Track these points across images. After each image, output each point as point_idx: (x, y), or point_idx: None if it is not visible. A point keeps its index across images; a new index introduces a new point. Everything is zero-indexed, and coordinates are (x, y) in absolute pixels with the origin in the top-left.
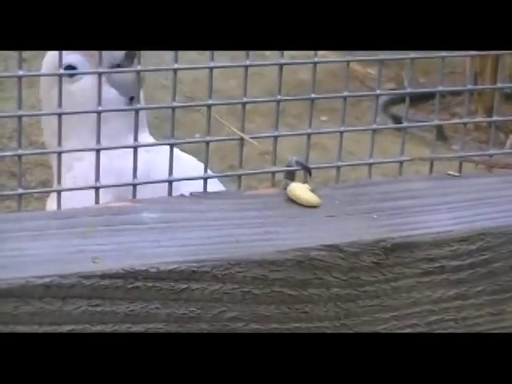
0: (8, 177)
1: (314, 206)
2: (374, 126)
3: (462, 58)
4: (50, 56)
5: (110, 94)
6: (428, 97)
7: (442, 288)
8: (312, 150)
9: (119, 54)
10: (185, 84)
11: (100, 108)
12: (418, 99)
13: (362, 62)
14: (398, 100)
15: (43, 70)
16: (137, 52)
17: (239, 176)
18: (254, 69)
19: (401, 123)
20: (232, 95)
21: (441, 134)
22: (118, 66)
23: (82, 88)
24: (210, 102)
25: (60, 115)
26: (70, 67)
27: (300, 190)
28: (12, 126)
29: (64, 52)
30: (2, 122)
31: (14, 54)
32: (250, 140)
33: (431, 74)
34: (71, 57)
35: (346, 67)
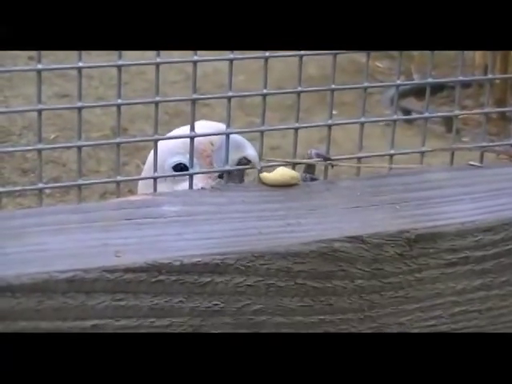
0: (19, 174)
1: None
2: (395, 117)
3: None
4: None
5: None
6: (437, 89)
7: (466, 279)
8: (322, 143)
9: (234, 160)
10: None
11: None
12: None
13: (371, 56)
14: (408, 93)
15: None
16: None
17: (260, 169)
18: (262, 63)
19: (410, 115)
20: (240, 89)
21: (451, 126)
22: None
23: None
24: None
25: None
26: (180, 165)
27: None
28: (22, 122)
29: (176, 150)
30: (12, 119)
31: (22, 53)
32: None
33: (441, 66)
34: (183, 156)
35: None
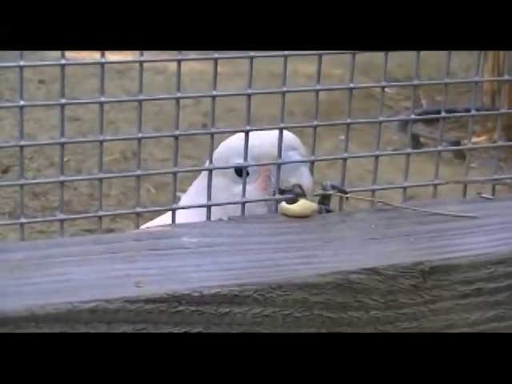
0: (30, 197)
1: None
2: (409, 150)
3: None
4: (227, 151)
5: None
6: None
7: (479, 310)
8: (331, 168)
9: (290, 182)
10: (204, 103)
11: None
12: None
13: (380, 81)
14: (416, 119)
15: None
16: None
17: (276, 201)
18: (273, 88)
19: (419, 141)
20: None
21: (459, 152)
22: (284, 191)
23: (247, 193)
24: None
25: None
26: (240, 169)
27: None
28: (33, 146)
29: (241, 153)
30: None
31: (33, 77)
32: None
33: (448, 92)
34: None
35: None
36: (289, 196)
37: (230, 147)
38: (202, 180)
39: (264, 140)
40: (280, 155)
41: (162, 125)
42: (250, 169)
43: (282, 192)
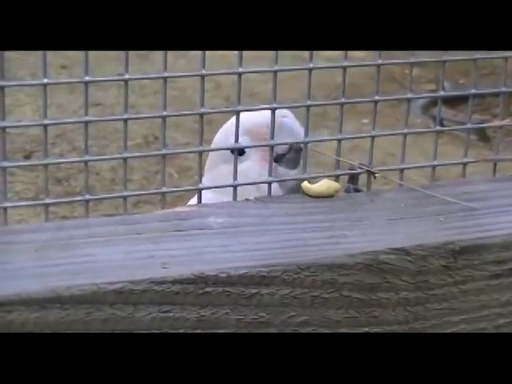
0: (52, 183)
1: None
2: (438, 128)
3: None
4: (223, 134)
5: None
6: (468, 98)
7: (510, 291)
8: (353, 152)
9: (285, 146)
10: (224, 88)
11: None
12: (459, 100)
13: (400, 64)
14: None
15: (214, 146)
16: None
17: (304, 180)
18: (292, 72)
19: (443, 124)
20: (270, 98)
21: (483, 135)
22: (283, 155)
23: (249, 168)
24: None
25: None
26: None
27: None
28: (55, 131)
29: (232, 134)
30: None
31: (54, 61)
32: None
33: (470, 74)
34: (240, 139)
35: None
36: (312, 176)
37: (225, 130)
38: (207, 174)
39: (258, 113)
40: (304, 134)
41: (183, 109)
42: (246, 144)
43: (280, 157)
